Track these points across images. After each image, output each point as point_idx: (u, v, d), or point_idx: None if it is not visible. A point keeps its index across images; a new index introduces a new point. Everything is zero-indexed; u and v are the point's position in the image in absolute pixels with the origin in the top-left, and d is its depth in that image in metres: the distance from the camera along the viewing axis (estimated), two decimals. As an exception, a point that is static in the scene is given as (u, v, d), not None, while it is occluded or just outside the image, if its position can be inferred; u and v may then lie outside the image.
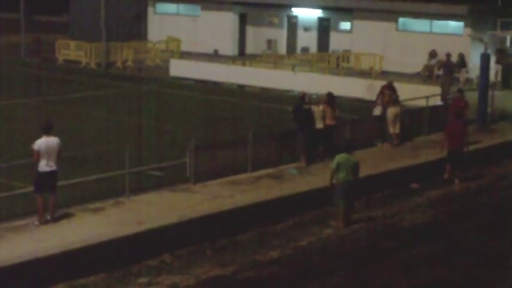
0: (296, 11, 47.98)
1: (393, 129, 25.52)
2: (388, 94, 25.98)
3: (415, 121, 27.28)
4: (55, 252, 15.74)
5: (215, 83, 39.95)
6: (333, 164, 18.82)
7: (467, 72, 37.68)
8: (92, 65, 45.25)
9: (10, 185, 19.30)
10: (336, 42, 45.83)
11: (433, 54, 39.06)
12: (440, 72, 36.69)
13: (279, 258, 16.90)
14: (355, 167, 18.79)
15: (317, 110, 23.25)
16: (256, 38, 49.14)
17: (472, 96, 29.01)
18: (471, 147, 23.48)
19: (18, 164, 19.33)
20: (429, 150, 25.19)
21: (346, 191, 18.74)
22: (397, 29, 43.10)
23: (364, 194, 20.92)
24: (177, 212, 18.42)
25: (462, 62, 37.28)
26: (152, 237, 17.21)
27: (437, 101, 30.05)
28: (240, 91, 39.12)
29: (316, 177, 21.56)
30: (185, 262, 16.86)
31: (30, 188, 17.66)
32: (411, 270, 15.79)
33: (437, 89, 32.90)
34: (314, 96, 27.49)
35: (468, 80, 37.34)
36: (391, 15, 42.70)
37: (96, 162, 21.98)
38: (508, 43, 40.77)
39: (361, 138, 24.94)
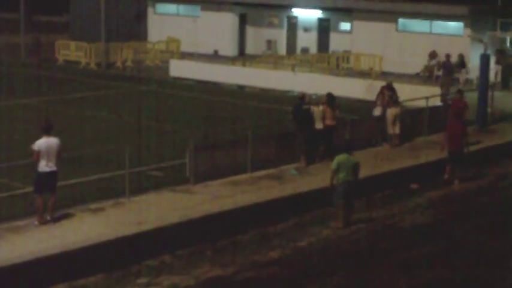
0: (296, 12, 47.99)
1: (392, 129, 25.52)
2: (388, 95, 25.98)
3: (415, 122, 27.28)
4: (55, 253, 15.74)
5: (215, 84, 39.95)
6: (333, 165, 18.81)
7: (467, 72, 37.70)
8: (92, 65, 45.26)
9: (10, 185, 19.31)
10: (336, 43, 45.85)
11: (433, 55, 39.07)
12: (440, 73, 36.71)
13: (279, 259, 16.89)
14: (355, 167, 18.79)
15: (317, 110, 23.26)
16: (256, 39, 49.16)
17: (472, 97, 29.02)
18: (471, 148, 23.47)
19: (18, 164, 19.33)
20: (429, 150, 25.20)
21: (346, 191, 18.73)
22: (397, 30, 43.12)
23: (364, 194, 20.92)
24: (177, 212, 18.42)
25: (462, 63, 37.30)
26: (152, 237, 17.21)
27: (437, 102, 30.05)
28: (240, 91, 39.12)
29: (316, 178, 21.56)
30: (185, 262, 16.86)
31: (30, 189, 17.66)
32: (411, 270, 15.78)
33: (437, 90, 32.92)
34: (314, 97, 27.52)
35: (468, 81, 37.36)
36: (391, 15, 42.73)
37: (96, 163, 21.97)
38: (507, 44, 40.80)
39: (361, 138, 24.95)
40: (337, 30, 46.39)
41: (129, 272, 16.27)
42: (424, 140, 26.71)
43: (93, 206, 18.59)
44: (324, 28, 47.14)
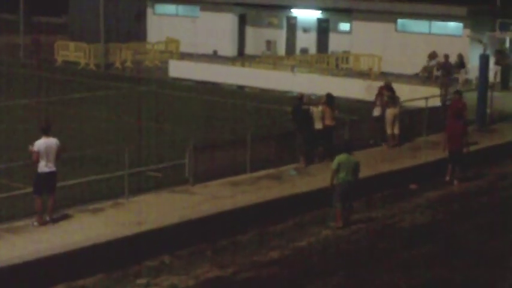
0: (295, 12, 48.00)
1: (391, 130, 25.51)
2: (387, 95, 25.97)
3: (414, 122, 27.27)
4: (54, 253, 15.72)
5: (214, 84, 39.94)
6: (333, 165, 18.81)
7: (466, 73, 37.69)
8: (91, 66, 45.26)
9: (10, 186, 19.30)
10: (335, 43, 45.86)
11: (432, 56, 39.05)
12: (439, 73, 36.70)
13: (279, 259, 16.89)
14: (355, 167, 18.79)
15: (316, 110, 23.25)
16: (256, 39, 49.16)
17: (471, 97, 29.01)
18: (471, 148, 23.46)
19: (18, 164, 19.32)
20: (428, 151, 25.20)
21: (346, 191, 18.73)
22: (396, 30, 43.14)
23: (364, 194, 20.91)
24: (177, 212, 18.41)
25: (461, 63, 37.29)
26: (151, 238, 17.20)
27: (436, 102, 30.04)
28: (240, 92, 39.12)
29: (316, 178, 21.56)
30: (185, 263, 16.84)
31: (30, 189, 17.65)
32: (411, 270, 15.78)
33: (436, 90, 32.91)
34: (313, 97, 27.49)
35: (467, 81, 37.36)
36: (390, 16, 42.75)
37: (96, 163, 21.97)
38: (507, 44, 40.80)
39: (360, 138, 24.94)
40: (336, 30, 46.40)
41: (129, 272, 16.25)
42: (423, 140, 26.71)
43: (92, 206, 18.58)
44: (323, 28, 47.15)
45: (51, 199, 17.32)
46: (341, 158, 18.77)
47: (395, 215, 20.16)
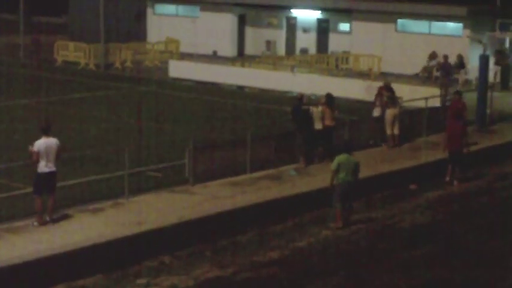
0: (295, 12, 47.99)
1: (390, 130, 25.50)
2: (387, 95, 25.97)
3: (414, 122, 27.27)
4: (54, 253, 15.73)
5: (214, 84, 39.94)
6: (333, 165, 18.80)
7: (466, 73, 37.71)
8: (91, 66, 45.25)
9: (10, 186, 19.30)
10: (335, 44, 45.86)
11: (433, 56, 39.05)
12: (439, 74, 36.70)
13: (279, 259, 16.88)
14: (355, 168, 18.79)
15: (316, 111, 23.25)
16: (255, 39, 49.16)
17: (471, 98, 29.02)
18: (470, 148, 23.46)
19: (18, 164, 19.32)
20: (428, 151, 25.21)
21: (346, 191, 18.73)
22: (396, 30, 43.14)
23: (364, 195, 20.91)
24: (176, 212, 18.42)
25: (461, 63, 37.31)
26: (151, 238, 17.21)
27: (436, 103, 30.05)
28: (239, 92, 39.12)
29: (315, 178, 21.56)
30: (184, 263, 16.85)
31: (30, 189, 17.65)
32: (411, 270, 15.78)
33: (436, 91, 32.91)
34: (313, 97, 27.51)
35: (467, 81, 37.37)
36: (390, 16, 42.75)
37: (96, 163, 21.97)
38: (507, 44, 40.80)
39: (360, 139, 24.94)
40: (336, 30, 46.40)
41: (129, 272, 16.25)
42: (423, 140, 26.71)
43: (92, 206, 18.58)
44: (323, 29, 47.14)
45: (51, 199, 17.33)
46: (341, 158, 18.77)
47: (395, 215, 20.16)
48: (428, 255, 16.71)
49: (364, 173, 19.73)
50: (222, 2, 48.93)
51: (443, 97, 31.84)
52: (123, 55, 46.45)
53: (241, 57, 47.61)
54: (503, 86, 37.50)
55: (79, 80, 40.79)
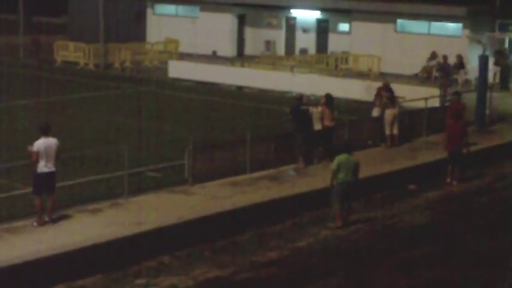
0: (295, 13, 47.99)
1: (389, 130, 25.50)
2: (386, 96, 25.97)
3: (413, 122, 27.27)
4: (53, 254, 15.72)
5: (214, 84, 39.91)
6: (333, 165, 18.81)
7: (465, 73, 37.68)
8: (91, 66, 45.24)
9: (10, 186, 19.29)
10: (335, 44, 45.85)
11: (433, 56, 39.02)
12: (438, 74, 36.68)
13: (278, 259, 16.89)
14: (355, 168, 18.79)
15: (315, 111, 23.24)
16: (255, 39, 49.16)
17: (471, 98, 29.02)
18: (470, 149, 23.46)
19: (17, 165, 19.30)
20: (428, 151, 25.21)
21: (345, 191, 18.74)
22: (395, 31, 43.14)
23: (363, 194, 20.91)
24: (176, 213, 18.41)
25: (460, 64, 37.29)
26: (151, 238, 17.20)
27: (436, 103, 30.05)
28: (239, 92, 39.11)
29: (315, 178, 21.55)
30: (184, 263, 16.84)
31: (29, 189, 17.64)
32: (410, 270, 15.78)
33: (435, 91, 32.89)
34: (312, 98, 27.49)
35: (467, 82, 37.34)
36: (390, 16, 42.74)
37: (95, 163, 21.96)
38: (506, 45, 40.80)
39: (360, 139, 24.94)
40: (335, 31, 46.39)
41: (128, 272, 16.25)
42: (423, 140, 26.71)
43: (91, 206, 18.57)
44: (322, 29, 47.14)
45: (50, 199, 17.32)
46: (341, 158, 18.77)
47: (395, 215, 20.16)
48: (428, 255, 16.72)
49: (363, 173, 19.73)
50: (221, 2, 48.94)
51: (442, 97, 31.85)
52: (123, 55, 46.43)
53: (240, 57, 47.60)
54: (503, 86, 37.51)
55: (78, 80, 40.78)
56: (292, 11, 47.92)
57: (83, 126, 28.46)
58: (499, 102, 32.06)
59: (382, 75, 38.85)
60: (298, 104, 23.30)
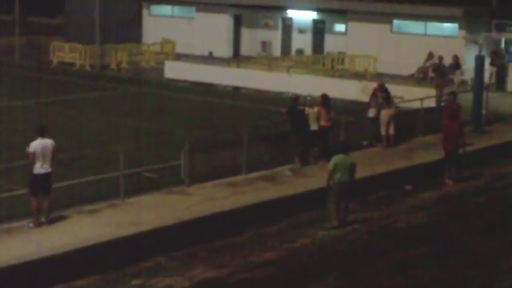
0: (291, 13, 48.01)
1: (385, 131, 25.51)
2: (382, 96, 25.97)
3: (409, 123, 27.29)
4: (50, 255, 15.70)
5: (210, 85, 39.93)
6: (330, 165, 18.80)
7: (461, 74, 37.73)
8: (87, 67, 45.22)
9: (8, 187, 19.26)
10: (331, 44, 45.88)
11: (430, 56, 39.03)
12: (434, 74, 36.70)
13: (275, 260, 16.88)
14: (351, 168, 18.79)
15: (312, 111, 23.24)
16: (251, 40, 49.18)
17: (467, 98, 29.05)
18: (466, 149, 23.48)
19: (14, 166, 19.28)
20: (424, 152, 25.23)
21: (341, 191, 18.73)
22: (391, 31, 43.19)
23: (359, 195, 20.91)
24: (172, 213, 18.40)
25: (457, 64, 37.32)
26: (147, 238, 17.19)
27: (432, 103, 30.06)
28: (235, 93, 39.11)
29: (311, 179, 21.56)
30: (180, 264, 16.84)
31: (26, 190, 17.62)
32: (407, 270, 15.78)
33: (431, 91, 32.93)
34: (309, 98, 27.47)
35: (463, 82, 37.38)
36: (386, 17, 42.79)
37: (92, 164, 21.93)
38: (502, 45, 40.85)
39: (356, 139, 24.94)
40: (332, 31, 46.43)
41: (125, 273, 16.24)
42: (419, 141, 26.73)
43: (88, 207, 18.55)
44: (318, 29, 47.17)
45: (47, 200, 17.31)
46: (338, 158, 18.77)
47: (391, 215, 20.17)
48: (425, 256, 16.72)
49: (359, 173, 19.73)
50: (217, 3, 48.95)
51: (438, 98, 31.87)
52: (119, 56, 46.41)
53: (237, 58, 47.61)
54: (499, 86, 37.54)
55: (75, 81, 40.76)
56: (288, 11, 47.94)
57: (79, 127, 28.43)
58: (495, 102, 32.09)
59: (378, 76, 38.89)
60: (294, 105, 23.30)
